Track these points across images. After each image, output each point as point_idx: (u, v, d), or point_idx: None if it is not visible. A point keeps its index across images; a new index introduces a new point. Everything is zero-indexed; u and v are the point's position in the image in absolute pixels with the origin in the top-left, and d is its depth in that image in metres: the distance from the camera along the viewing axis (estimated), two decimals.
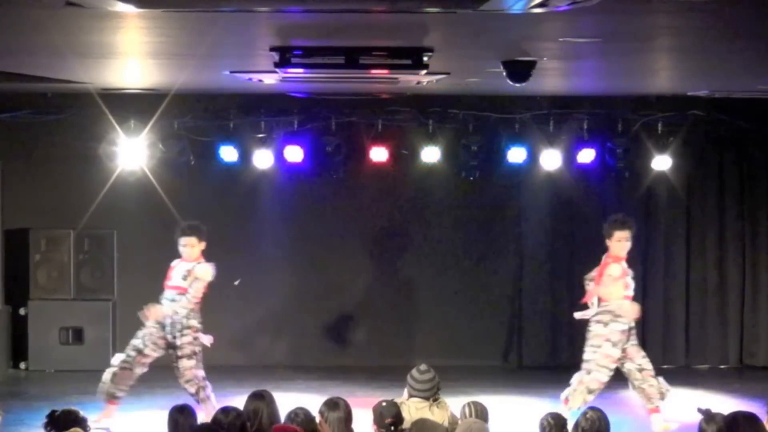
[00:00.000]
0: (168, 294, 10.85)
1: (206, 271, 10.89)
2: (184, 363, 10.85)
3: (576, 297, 14.65)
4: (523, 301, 14.65)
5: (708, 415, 6.62)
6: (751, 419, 6.37)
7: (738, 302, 14.66)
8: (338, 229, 14.55)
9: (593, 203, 14.49)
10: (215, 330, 14.37)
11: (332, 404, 7.49)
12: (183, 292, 10.81)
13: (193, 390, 10.86)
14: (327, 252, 14.59)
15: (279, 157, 13.70)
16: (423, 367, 8.42)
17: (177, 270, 10.89)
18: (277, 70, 9.01)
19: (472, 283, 14.62)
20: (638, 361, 10.71)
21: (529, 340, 14.67)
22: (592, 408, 7.25)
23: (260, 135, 13.62)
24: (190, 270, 10.85)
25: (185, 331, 10.85)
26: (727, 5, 6.67)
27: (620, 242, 10.78)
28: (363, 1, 6.59)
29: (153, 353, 10.89)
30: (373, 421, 7.81)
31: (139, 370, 10.90)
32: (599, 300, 10.75)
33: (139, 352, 10.85)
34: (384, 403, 7.81)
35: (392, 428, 7.70)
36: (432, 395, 8.31)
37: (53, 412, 7.20)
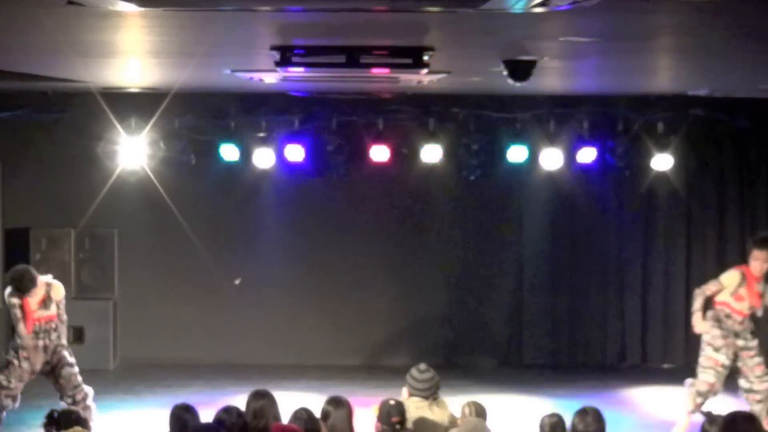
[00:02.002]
0: (44, 326, 10.32)
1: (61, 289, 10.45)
2: (68, 370, 10.36)
3: (578, 295, 14.74)
4: (524, 300, 14.66)
5: (710, 417, 6.63)
6: (749, 419, 6.37)
7: None
8: (338, 229, 14.56)
9: (593, 202, 14.50)
10: (215, 329, 14.45)
11: (336, 402, 7.51)
12: (55, 319, 10.36)
13: (80, 396, 10.35)
14: (327, 251, 14.59)
15: (280, 156, 13.70)
16: (423, 366, 8.42)
17: (35, 299, 10.27)
18: (278, 69, 9.01)
19: (473, 282, 14.62)
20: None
21: (529, 340, 14.68)
22: (588, 407, 7.25)
23: (261, 134, 13.61)
24: (48, 295, 10.33)
25: (58, 349, 10.36)
26: (727, 4, 6.67)
27: (756, 261, 10.60)
28: (364, 1, 6.59)
29: (18, 384, 10.38)
30: (377, 419, 7.82)
31: (7, 402, 10.39)
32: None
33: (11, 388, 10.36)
34: (392, 402, 7.82)
35: (397, 427, 7.72)
36: (432, 394, 8.31)
37: (52, 412, 7.21)
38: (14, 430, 10.66)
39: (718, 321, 10.49)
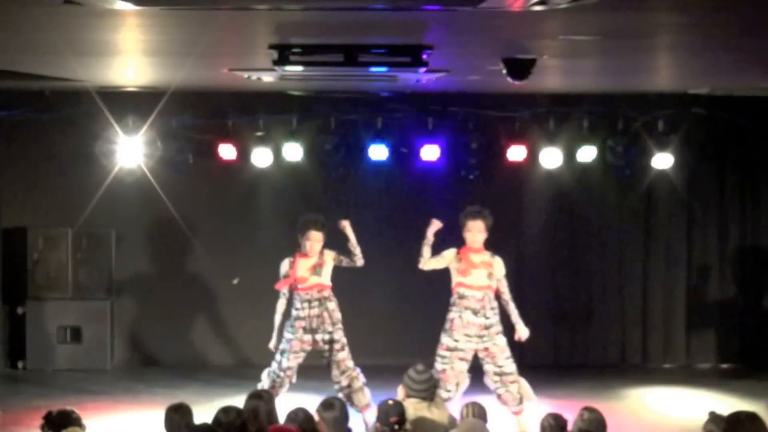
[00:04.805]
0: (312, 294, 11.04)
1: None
2: (340, 355, 11.05)
3: (578, 295, 14.71)
4: (524, 299, 14.58)
5: (713, 416, 6.61)
6: (753, 418, 6.34)
7: (740, 300, 14.63)
8: (337, 228, 14.49)
9: (593, 202, 14.46)
10: (215, 329, 14.41)
11: (327, 404, 7.50)
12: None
13: (345, 383, 11.01)
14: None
15: (278, 155, 13.66)
16: (420, 366, 8.39)
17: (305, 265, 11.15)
18: (276, 68, 8.98)
19: None
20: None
21: (529, 339, 14.60)
22: (588, 408, 7.21)
23: (259, 133, 13.57)
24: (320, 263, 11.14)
25: (338, 325, 11.12)
26: (728, 3, 6.64)
27: (471, 233, 10.82)
28: None
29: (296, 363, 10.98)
30: (376, 419, 7.79)
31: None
32: None
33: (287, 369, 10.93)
34: (390, 402, 7.79)
35: (396, 427, 7.69)
36: (430, 395, 8.28)
37: (50, 413, 7.20)
38: (12, 429, 10.62)
39: None
